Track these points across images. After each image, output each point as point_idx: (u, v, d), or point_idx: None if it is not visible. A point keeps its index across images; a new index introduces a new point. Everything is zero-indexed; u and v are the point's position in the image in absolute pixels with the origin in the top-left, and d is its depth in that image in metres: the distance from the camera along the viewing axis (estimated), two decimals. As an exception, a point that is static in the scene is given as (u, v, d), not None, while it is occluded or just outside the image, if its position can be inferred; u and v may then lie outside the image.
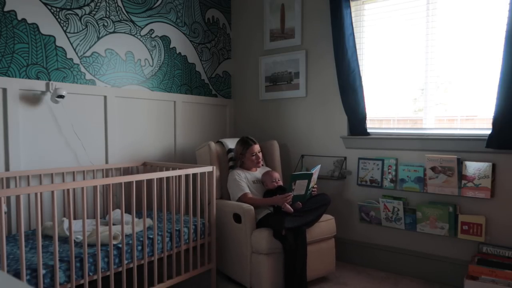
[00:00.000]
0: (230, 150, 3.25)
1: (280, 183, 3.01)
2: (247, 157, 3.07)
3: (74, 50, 2.75)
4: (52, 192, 1.87)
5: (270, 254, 2.63)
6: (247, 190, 2.94)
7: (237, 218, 2.78)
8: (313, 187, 2.90)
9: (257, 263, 2.65)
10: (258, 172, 3.13)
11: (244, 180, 3.01)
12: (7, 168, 2.41)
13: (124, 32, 3.06)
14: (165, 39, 3.38)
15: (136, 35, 3.14)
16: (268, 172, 3.09)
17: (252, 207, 2.75)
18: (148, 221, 2.49)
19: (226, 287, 2.89)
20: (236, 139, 3.29)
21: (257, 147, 3.09)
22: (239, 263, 2.79)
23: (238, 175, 3.01)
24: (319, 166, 2.97)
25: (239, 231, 2.76)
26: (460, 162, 2.74)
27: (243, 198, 2.89)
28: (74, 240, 2.11)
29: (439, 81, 2.99)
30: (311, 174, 2.82)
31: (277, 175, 3.04)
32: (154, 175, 2.38)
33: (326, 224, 2.92)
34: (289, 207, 2.72)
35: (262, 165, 3.22)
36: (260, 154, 3.12)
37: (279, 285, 2.67)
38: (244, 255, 2.73)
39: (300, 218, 2.71)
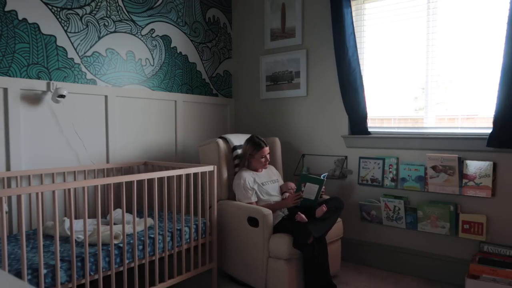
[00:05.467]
0: (235, 148, 3.16)
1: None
2: (256, 159, 2.97)
3: (75, 49, 2.75)
4: (53, 191, 1.87)
5: (289, 260, 2.59)
6: (253, 200, 2.88)
7: (252, 221, 2.72)
8: (322, 192, 2.84)
9: (275, 268, 2.60)
10: (264, 173, 3.07)
11: (253, 185, 2.91)
12: (8, 168, 2.42)
13: (125, 32, 3.06)
14: (165, 39, 3.38)
15: (137, 35, 3.15)
16: (286, 183, 3.10)
17: (271, 212, 2.69)
18: (149, 221, 2.49)
19: (227, 286, 2.89)
20: (240, 135, 3.25)
21: (267, 150, 3.00)
22: (250, 266, 2.74)
23: (244, 180, 2.90)
24: (326, 174, 2.91)
25: (254, 235, 2.70)
26: (461, 161, 2.74)
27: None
28: (75, 240, 2.12)
29: (440, 80, 2.99)
30: (323, 181, 2.75)
31: (292, 185, 3.03)
32: (155, 175, 2.38)
33: (336, 226, 2.90)
34: (303, 216, 2.62)
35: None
36: (268, 156, 3.04)
37: None
38: (258, 259, 2.68)
39: (323, 226, 2.66)
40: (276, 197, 2.96)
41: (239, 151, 3.15)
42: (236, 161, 3.14)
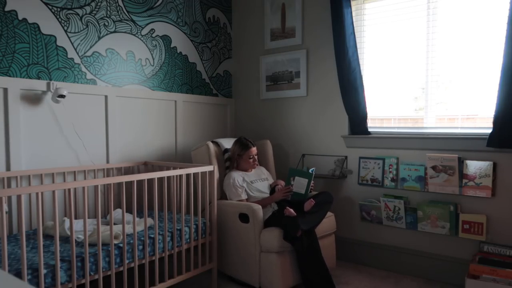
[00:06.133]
0: (226, 150, 3.24)
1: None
2: (244, 159, 3.06)
3: (75, 49, 2.75)
4: (53, 191, 1.87)
5: (281, 253, 2.63)
6: (244, 197, 2.95)
7: (244, 217, 2.77)
8: (311, 187, 2.89)
9: (268, 262, 2.64)
10: (253, 172, 3.13)
11: (242, 183, 2.99)
12: (8, 168, 2.41)
13: (125, 32, 3.06)
14: (165, 39, 3.38)
15: (137, 35, 3.14)
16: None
17: (260, 207, 2.75)
18: (149, 221, 2.49)
19: (227, 285, 2.89)
20: (232, 139, 3.29)
21: (254, 150, 3.08)
22: (245, 263, 2.77)
23: (233, 179, 2.98)
24: (314, 169, 2.97)
25: (246, 231, 2.74)
26: (461, 161, 2.74)
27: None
28: (75, 240, 2.12)
29: (440, 80, 2.99)
30: (312, 175, 2.82)
31: (282, 182, 3.07)
32: (155, 175, 2.38)
33: (328, 220, 2.93)
34: (292, 210, 2.67)
35: (257, 165, 3.22)
36: (256, 157, 3.12)
37: (290, 283, 2.67)
38: (251, 255, 2.72)
39: (312, 219, 2.69)
40: (266, 194, 3.02)
41: (230, 153, 3.21)
42: (227, 163, 3.20)
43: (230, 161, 3.18)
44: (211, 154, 3.10)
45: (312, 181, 2.87)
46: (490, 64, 2.75)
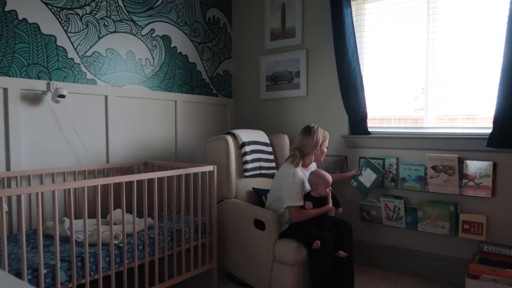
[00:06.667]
0: (243, 144, 3.05)
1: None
2: (321, 150, 2.68)
3: (75, 49, 2.75)
4: (53, 191, 1.87)
5: (294, 265, 2.52)
6: (302, 203, 2.57)
7: (259, 224, 2.65)
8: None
9: (280, 273, 2.54)
10: (308, 173, 2.74)
11: (302, 187, 2.61)
12: (8, 168, 2.42)
13: (125, 32, 3.06)
14: (166, 39, 3.38)
15: (137, 35, 3.14)
16: (323, 174, 2.60)
17: (277, 216, 2.59)
18: (149, 221, 2.49)
19: (227, 285, 2.89)
20: (249, 131, 3.17)
21: None
22: (255, 269, 2.70)
23: (299, 179, 2.56)
24: (383, 172, 3.01)
25: (260, 238, 2.64)
26: (461, 161, 2.74)
27: (293, 209, 2.53)
28: (75, 240, 2.12)
29: (440, 80, 2.99)
30: (382, 173, 2.92)
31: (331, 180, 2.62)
32: (155, 175, 2.38)
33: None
34: (319, 243, 2.42)
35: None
36: None
37: None
38: (263, 263, 2.63)
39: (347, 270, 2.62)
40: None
41: (247, 148, 3.05)
42: (291, 158, 2.70)
43: (298, 153, 2.66)
44: (229, 149, 2.93)
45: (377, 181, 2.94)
46: (490, 64, 2.75)
